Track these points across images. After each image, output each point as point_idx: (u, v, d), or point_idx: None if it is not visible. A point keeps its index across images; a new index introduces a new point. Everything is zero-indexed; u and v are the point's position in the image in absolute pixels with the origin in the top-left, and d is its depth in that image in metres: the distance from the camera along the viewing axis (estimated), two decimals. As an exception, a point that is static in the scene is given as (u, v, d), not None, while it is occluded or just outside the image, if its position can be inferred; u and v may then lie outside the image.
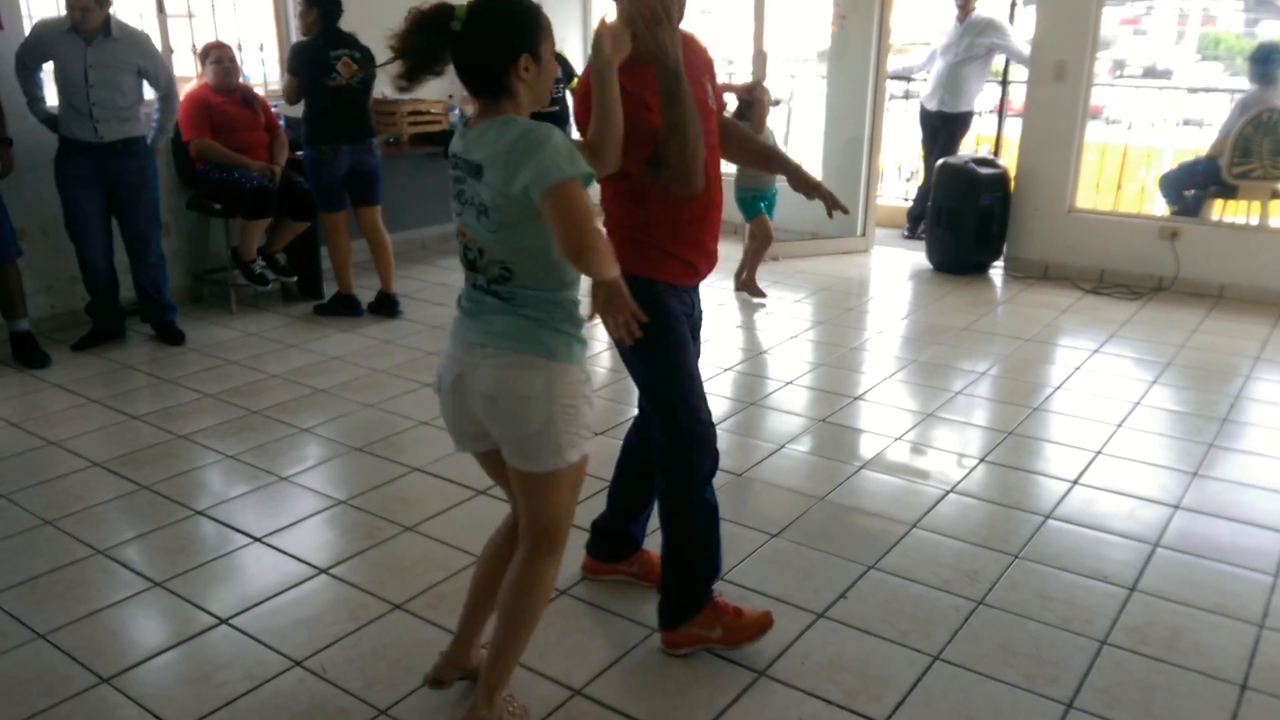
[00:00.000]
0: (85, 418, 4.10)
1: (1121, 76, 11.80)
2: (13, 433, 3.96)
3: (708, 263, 2.47)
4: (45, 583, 2.89)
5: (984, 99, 7.33)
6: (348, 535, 3.18)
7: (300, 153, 5.68)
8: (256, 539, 3.14)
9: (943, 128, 7.07)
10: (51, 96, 4.72)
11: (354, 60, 5.09)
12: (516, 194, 1.89)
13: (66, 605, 2.78)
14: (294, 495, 3.46)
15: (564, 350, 2.01)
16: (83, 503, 3.38)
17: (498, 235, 1.96)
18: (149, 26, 5.47)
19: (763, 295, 5.79)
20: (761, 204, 5.72)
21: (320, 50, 5.03)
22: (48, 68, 4.63)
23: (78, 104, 4.56)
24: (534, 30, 1.95)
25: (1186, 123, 8.79)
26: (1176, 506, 3.34)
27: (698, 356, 2.51)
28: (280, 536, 3.16)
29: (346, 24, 5.10)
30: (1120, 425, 4.01)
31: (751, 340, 5.19)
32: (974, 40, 6.79)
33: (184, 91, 5.32)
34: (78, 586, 2.87)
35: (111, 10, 4.58)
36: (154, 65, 4.80)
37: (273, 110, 5.53)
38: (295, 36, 5.99)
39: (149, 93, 4.88)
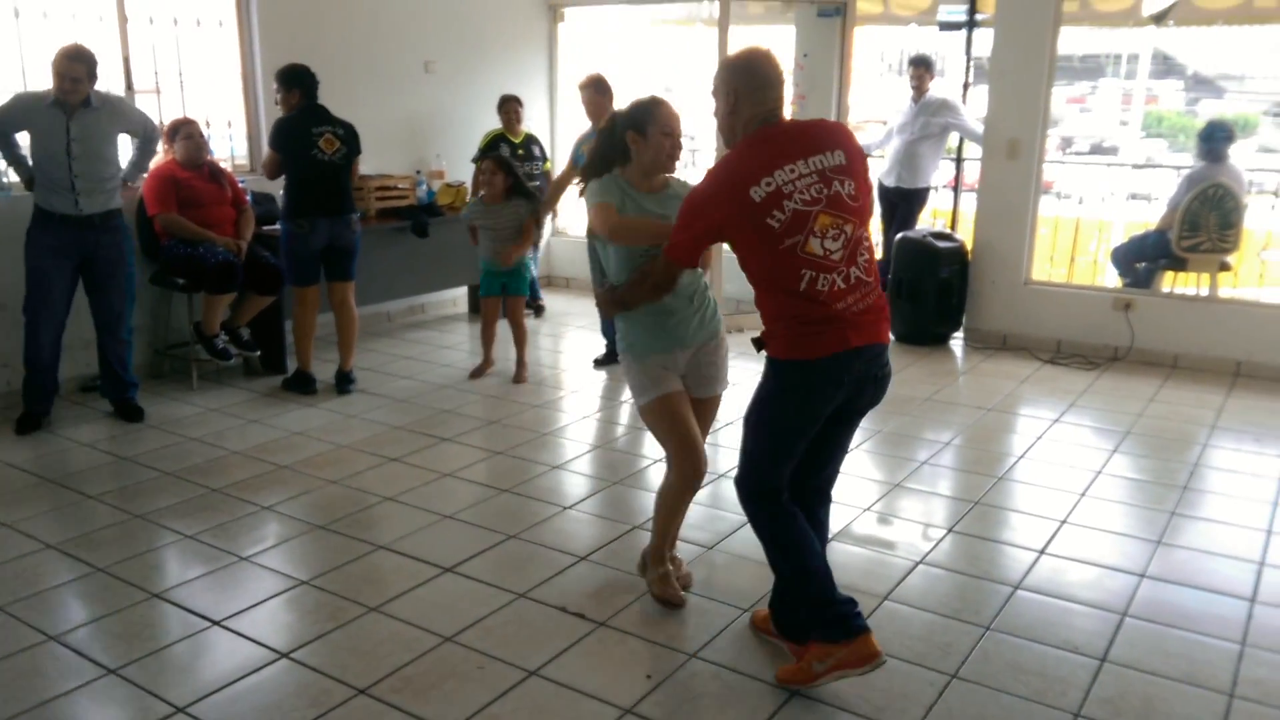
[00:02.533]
0: (39, 498, 4.00)
1: (1068, 153, 12.20)
2: (-38, 514, 3.85)
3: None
4: (-7, 671, 2.79)
5: (939, 175, 7.53)
6: (310, 617, 3.10)
7: (267, 227, 5.70)
8: (215, 622, 3.06)
9: (900, 203, 7.23)
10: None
11: (336, 137, 5.14)
12: None
13: (16, 695, 2.67)
14: (254, 576, 3.38)
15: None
16: (34, 587, 3.27)
17: None
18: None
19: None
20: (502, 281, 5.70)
21: (303, 126, 5.08)
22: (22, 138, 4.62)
23: (59, 177, 4.53)
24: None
25: (1134, 197, 9.09)
26: (1143, 575, 3.36)
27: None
28: (240, 619, 3.08)
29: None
30: (1083, 494, 4.05)
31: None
32: (929, 119, 6.98)
33: (151, 167, 5.33)
34: (28, 675, 2.77)
35: None
36: (133, 120, 4.84)
37: (240, 185, 5.54)
38: (264, 112, 6.05)
39: (125, 149, 4.88)
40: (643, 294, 2.87)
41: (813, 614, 2.66)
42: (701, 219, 2.61)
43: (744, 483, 2.78)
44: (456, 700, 2.65)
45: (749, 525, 2.83)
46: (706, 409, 3.20)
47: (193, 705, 2.63)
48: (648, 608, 3.13)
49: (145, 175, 5.13)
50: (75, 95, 4.48)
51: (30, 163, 4.64)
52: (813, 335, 2.52)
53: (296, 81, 5.09)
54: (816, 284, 2.50)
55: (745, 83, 2.60)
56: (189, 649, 2.93)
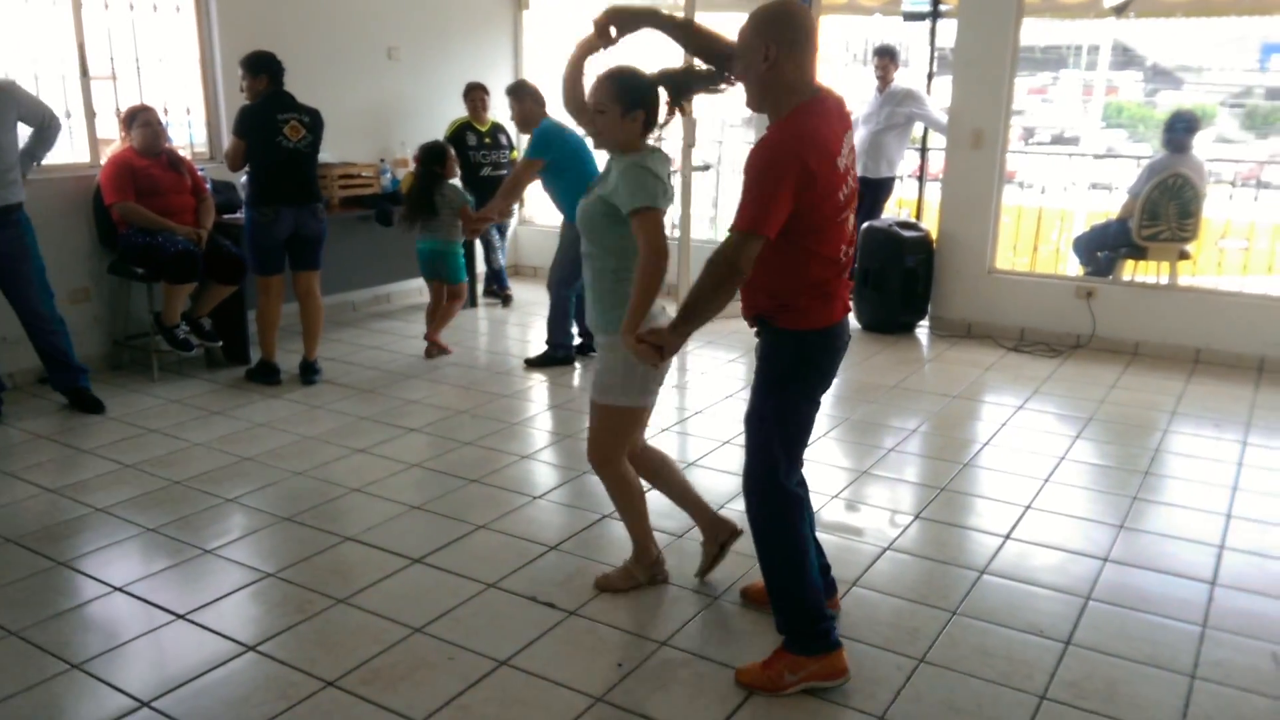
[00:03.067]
0: (-5, 491, 3.93)
1: (1031, 143, 12.32)
2: (-84, 509, 3.76)
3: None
4: (-50, 669, 2.73)
5: (905, 165, 7.57)
6: (276, 610, 3.07)
7: (228, 216, 5.61)
8: (179, 616, 3.02)
9: (866, 193, 7.24)
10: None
11: (301, 124, 5.07)
12: None
13: (-27, 692, 2.62)
14: (219, 569, 3.34)
15: None
16: (-8, 582, 3.21)
17: None
18: (72, 89, 5.38)
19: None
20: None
21: (268, 113, 5.00)
22: None
23: None
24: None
25: (1095, 186, 9.20)
26: (1105, 559, 3.41)
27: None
28: (205, 613, 3.04)
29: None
30: (1047, 480, 4.10)
31: (685, 400, 5.20)
32: (894, 109, 7.02)
33: (107, 154, 5.23)
34: (-14, 672, 2.72)
35: None
36: (29, 105, 4.59)
37: (199, 173, 5.45)
38: (224, 100, 5.96)
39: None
40: (723, 293, 2.45)
41: (800, 627, 2.65)
42: (792, 177, 2.33)
43: (772, 488, 2.63)
44: (426, 691, 2.63)
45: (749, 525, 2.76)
46: None
47: (158, 699, 2.59)
48: (617, 596, 3.13)
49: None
50: None
51: None
52: (828, 303, 2.57)
53: (263, 67, 4.99)
54: (848, 255, 2.59)
55: (783, 35, 2.38)
56: (153, 643, 2.88)
